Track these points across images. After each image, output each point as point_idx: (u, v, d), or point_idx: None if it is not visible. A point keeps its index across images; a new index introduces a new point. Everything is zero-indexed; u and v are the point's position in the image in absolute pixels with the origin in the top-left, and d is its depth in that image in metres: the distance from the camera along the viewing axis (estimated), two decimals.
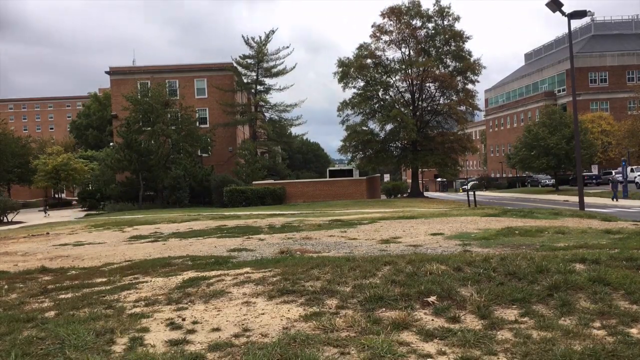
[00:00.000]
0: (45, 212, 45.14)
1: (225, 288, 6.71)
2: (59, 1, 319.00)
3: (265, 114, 56.64)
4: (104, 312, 6.00)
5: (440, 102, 51.77)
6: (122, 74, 54.66)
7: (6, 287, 8.41)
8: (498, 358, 4.24)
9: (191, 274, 8.06)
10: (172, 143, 46.89)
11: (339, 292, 6.08)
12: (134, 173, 45.39)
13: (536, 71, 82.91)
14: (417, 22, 51.01)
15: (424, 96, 51.73)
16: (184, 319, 5.54)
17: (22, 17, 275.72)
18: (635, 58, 72.94)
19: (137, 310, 6.06)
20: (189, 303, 6.20)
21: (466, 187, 69.61)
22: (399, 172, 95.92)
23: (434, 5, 50.68)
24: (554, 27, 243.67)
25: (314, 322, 5.15)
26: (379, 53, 51.11)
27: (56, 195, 70.52)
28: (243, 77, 54.28)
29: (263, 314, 5.56)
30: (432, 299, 5.62)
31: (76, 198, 62.35)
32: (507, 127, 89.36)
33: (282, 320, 5.32)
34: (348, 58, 51.02)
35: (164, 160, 45.24)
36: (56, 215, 41.98)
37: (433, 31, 51.02)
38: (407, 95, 52.09)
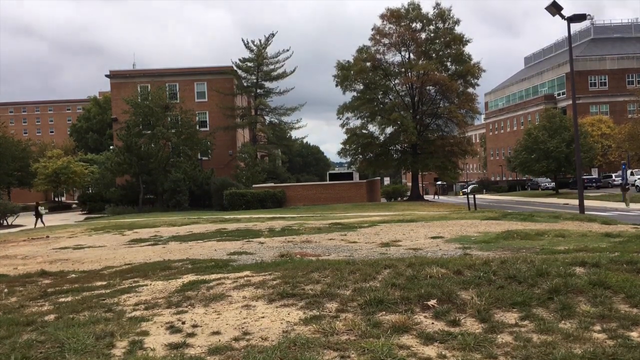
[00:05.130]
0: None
1: (225, 291, 6.71)
2: (59, 2, 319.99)
3: (265, 117, 56.68)
4: (104, 316, 5.99)
5: (441, 105, 51.81)
6: (122, 77, 54.74)
7: (6, 290, 8.40)
8: None
9: (191, 277, 8.05)
10: (172, 146, 46.92)
11: (339, 295, 6.07)
12: (134, 176, 45.38)
13: (536, 74, 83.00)
14: (417, 25, 51.08)
15: (424, 99, 51.76)
16: (183, 323, 5.54)
17: (21, 18, 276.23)
18: (635, 61, 73.02)
19: (137, 313, 6.06)
20: (189, 306, 6.19)
21: (466, 190, 69.65)
22: (399, 176, 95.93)
23: (434, 8, 50.81)
24: (554, 30, 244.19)
25: (314, 325, 5.14)
26: (378, 56, 51.18)
27: (56, 199, 70.49)
28: (243, 81, 54.33)
29: (263, 317, 5.56)
30: (432, 302, 5.61)
31: (76, 201, 62.32)
32: (507, 130, 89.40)
33: (282, 323, 5.32)
34: (348, 61, 51.07)
35: (164, 164, 45.26)
36: (56, 219, 41.95)
37: (433, 34, 51.10)
38: (407, 99, 52.13)
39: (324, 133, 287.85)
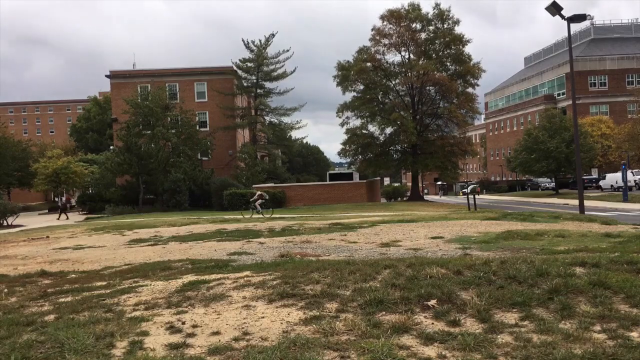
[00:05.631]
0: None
1: (225, 292, 6.71)
2: (60, 2, 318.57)
3: (265, 117, 56.70)
4: (104, 316, 6.00)
5: (440, 105, 51.82)
6: (122, 77, 54.75)
7: (6, 290, 8.40)
8: None
9: (191, 277, 8.05)
10: (172, 146, 46.90)
11: (339, 295, 6.07)
12: (134, 176, 45.37)
13: (536, 74, 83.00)
14: (417, 26, 51.09)
15: (424, 99, 51.76)
16: (183, 323, 5.54)
17: (20, 19, 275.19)
18: (635, 62, 73.01)
19: (137, 313, 6.06)
20: (189, 307, 6.20)
21: (466, 190, 69.66)
22: (399, 176, 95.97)
23: (434, 8, 50.82)
24: (554, 30, 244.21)
25: (314, 325, 5.14)
26: (378, 56, 51.20)
27: (56, 199, 70.49)
28: (243, 81, 54.33)
29: (263, 317, 5.56)
30: (432, 302, 5.62)
31: (76, 201, 62.30)
32: (507, 130, 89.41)
33: (282, 323, 5.32)
34: (348, 61, 51.11)
35: (164, 164, 45.23)
36: (56, 219, 41.89)
37: (433, 34, 51.10)
38: (407, 99, 52.14)
39: (317, 131, 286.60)
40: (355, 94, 51.97)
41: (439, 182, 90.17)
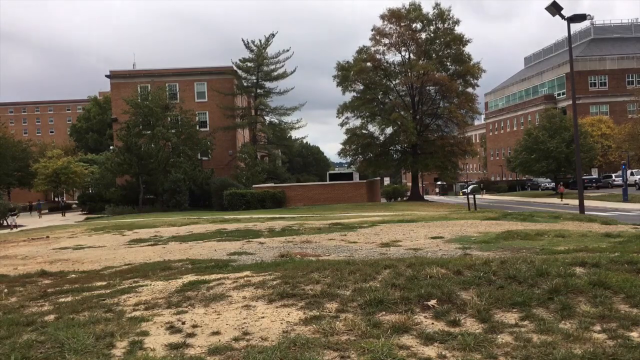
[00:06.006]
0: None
1: (225, 292, 6.71)
2: (60, 3, 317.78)
3: (266, 117, 56.72)
4: (104, 316, 6.00)
5: (440, 105, 51.83)
6: (122, 77, 54.76)
7: (6, 290, 8.41)
8: None
9: (191, 277, 8.05)
10: (172, 146, 46.93)
11: (339, 295, 6.07)
12: (134, 176, 45.40)
13: (536, 74, 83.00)
14: (417, 26, 51.10)
15: (424, 99, 51.76)
16: (183, 323, 5.54)
17: (21, 21, 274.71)
18: (635, 61, 73.01)
19: (137, 313, 6.06)
20: (189, 307, 6.20)
21: (466, 190, 69.65)
22: (399, 176, 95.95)
23: (434, 8, 50.82)
24: (554, 30, 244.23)
25: (314, 325, 5.14)
26: (378, 56, 51.22)
27: (56, 199, 70.50)
28: (243, 81, 54.35)
29: (263, 317, 5.56)
30: (432, 302, 5.61)
31: (76, 201, 62.36)
32: (507, 130, 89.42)
33: (282, 323, 5.32)
34: (348, 62, 51.12)
35: (164, 164, 45.25)
36: (56, 219, 41.92)
37: (433, 34, 51.11)
38: (407, 99, 52.15)
39: (312, 130, 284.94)
40: (355, 94, 51.98)
41: (439, 182, 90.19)
